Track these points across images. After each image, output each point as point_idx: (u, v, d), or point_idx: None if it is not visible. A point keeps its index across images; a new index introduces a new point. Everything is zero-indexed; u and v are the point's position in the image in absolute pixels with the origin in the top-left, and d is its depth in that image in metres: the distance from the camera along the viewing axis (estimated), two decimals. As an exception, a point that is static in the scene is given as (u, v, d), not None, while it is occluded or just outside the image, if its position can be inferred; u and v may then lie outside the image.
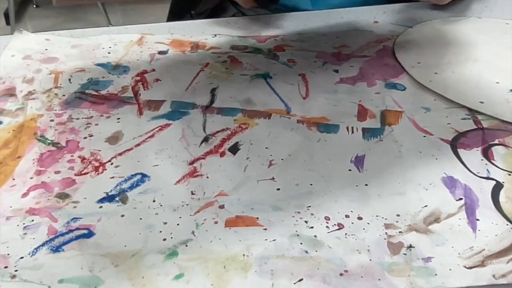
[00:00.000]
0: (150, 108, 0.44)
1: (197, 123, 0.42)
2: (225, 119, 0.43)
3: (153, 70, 0.50)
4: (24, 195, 0.35)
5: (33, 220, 0.33)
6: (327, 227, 0.32)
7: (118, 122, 0.42)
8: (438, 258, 0.30)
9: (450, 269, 0.29)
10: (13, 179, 0.36)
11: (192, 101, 0.45)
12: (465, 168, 0.37)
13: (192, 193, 0.35)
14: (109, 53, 0.53)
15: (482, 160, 0.38)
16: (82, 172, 0.37)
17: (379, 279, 0.29)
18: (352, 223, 0.33)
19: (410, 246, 0.31)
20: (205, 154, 0.39)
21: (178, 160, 0.38)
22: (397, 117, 0.43)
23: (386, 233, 0.32)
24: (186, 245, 0.31)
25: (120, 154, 0.39)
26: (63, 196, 0.35)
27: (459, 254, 0.30)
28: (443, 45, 0.55)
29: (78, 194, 0.35)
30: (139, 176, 0.36)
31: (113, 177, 0.36)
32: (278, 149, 0.39)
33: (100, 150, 0.39)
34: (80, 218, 0.33)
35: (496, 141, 0.40)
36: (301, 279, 0.29)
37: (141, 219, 0.33)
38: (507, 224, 0.33)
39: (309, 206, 0.34)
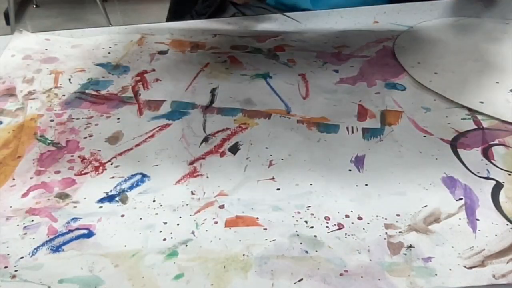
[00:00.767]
0: (150, 108, 0.44)
1: (197, 123, 0.42)
2: (225, 119, 0.43)
3: (153, 70, 0.50)
4: (24, 195, 0.35)
5: (33, 220, 0.33)
6: (327, 227, 0.32)
7: (118, 122, 0.42)
8: (438, 258, 0.30)
9: (450, 269, 0.29)
10: (13, 179, 0.36)
11: (192, 101, 0.45)
12: (465, 168, 0.37)
13: (192, 193, 0.35)
14: (109, 53, 0.53)
15: (482, 160, 0.38)
16: (82, 172, 0.37)
17: (379, 279, 0.29)
18: (352, 223, 0.33)
19: (410, 246, 0.31)
20: (205, 154, 0.39)
21: (178, 160, 0.38)
22: (397, 117, 0.43)
23: (386, 233, 0.32)
24: (186, 245, 0.31)
25: (120, 154, 0.39)
26: (63, 196, 0.35)
27: (459, 254, 0.30)
28: (443, 45, 0.55)
29: (78, 194, 0.35)
30: (139, 176, 0.36)
31: (113, 177, 0.36)
32: (278, 149, 0.39)
33: (100, 150, 0.39)
34: (80, 218, 0.33)
35: (496, 141, 0.40)
36: (301, 279, 0.29)
37: (141, 219, 0.33)
38: (507, 224, 0.33)
39: (309, 206, 0.34)
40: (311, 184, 0.36)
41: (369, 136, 0.41)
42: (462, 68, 0.50)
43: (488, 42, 0.55)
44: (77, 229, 0.32)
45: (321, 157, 0.38)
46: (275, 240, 0.31)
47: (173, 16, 0.75)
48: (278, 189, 0.36)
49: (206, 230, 0.32)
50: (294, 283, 0.29)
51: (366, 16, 0.62)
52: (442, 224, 0.32)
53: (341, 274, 0.29)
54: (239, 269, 0.29)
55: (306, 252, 0.31)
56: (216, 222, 0.33)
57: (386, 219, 0.33)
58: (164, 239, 0.31)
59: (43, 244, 0.31)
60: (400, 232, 0.32)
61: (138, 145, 0.40)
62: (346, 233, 0.32)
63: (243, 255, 0.30)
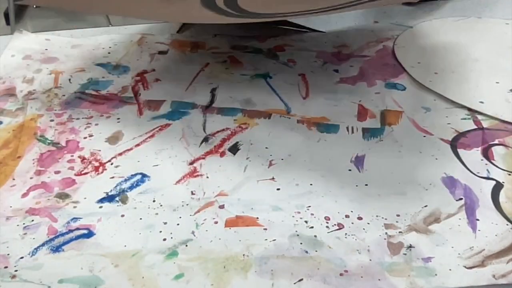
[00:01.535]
0: (150, 108, 0.44)
1: (197, 123, 0.42)
2: (225, 119, 0.43)
3: (153, 70, 0.50)
4: (24, 195, 0.35)
5: (33, 220, 0.33)
6: (327, 227, 0.32)
7: (118, 122, 0.42)
8: (438, 258, 0.30)
9: (450, 269, 0.29)
10: (13, 179, 0.36)
11: (192, 101, 0.45)
12: (465, 168, 0.37)
13: (192, 193, 0.35)
14: (109, 53, 0.53)
15: (482, 160, 0.38)
16: (82, 172, 0.37)
17: (379, 279, 0.29)
18: (352, 223, 0.33)
19: (410, 246, 0.31)
20: (205, 154, 0.39)
21: (178, 160, 0.38)
22: (397, 117, 0.43)
23: (386, 233, 0.32)
24: (186, 245, 0.31)
25: (120, 154, 0.39)
26: (63, 196, 0.35)
27: (459, 254, 0.30)
28: (443, 45, 0.55)
29: (78, 194, 0.35)
30: (139, 176, 0.36)
31: (113, 177, 0.36)
32: (278, 149, 0.39)
33: (100, 150, 0.39)
34: (80, 218, 0.33)
35: (496, 141, 0.40)
36: (301, 279, 0.29)
37: (141, 219, 0.33)
38: (507, 224, 0.33)
39: (309, 206, 0.34)
40: (311, 184, 0.36)
41: (369, 136, 0.41)
42: (462, 68, 0.50)
43: (488, 42, 0.55)
44: (77, 229, 0.32)
45: (321, 157, 0.38)
46: (275, 240, 0.31)
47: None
48: (278, 189, 0.36)
49: (206, 230, 0.32)
50: (294, 283, 0.29)
51: (366, 16, 0.62)
52: (442, 224, 0.32)
53: (341, 274, 0.29)
54: (239, 269, 0.29)
55: (306, 252, 0.31)
56: (216, 222, 0.33)
57: (386, 219, 0.33)
58: (164, 239, 0.31)
59: (43, 244, 0.31)
60: (400, 232, 0.32)
61: (138, 145, 0.40)
62: (346, 233, 0.32)
63: (243, 255, 0.30)
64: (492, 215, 0.33)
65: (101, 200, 0.34)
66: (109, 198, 0.35)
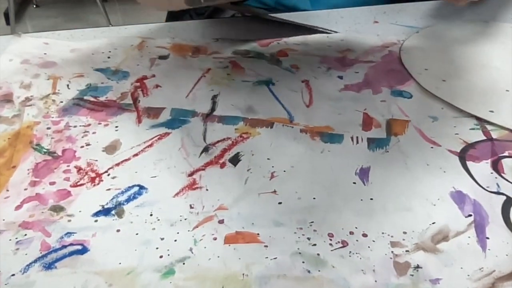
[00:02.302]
0: (149, 115, 0.43)
1: (197, 132, 0.41)
2: (226, 128, 0.41)
3: (153, 75, 0.49)
4: (18, 207, 0.34)
5: (26, 235, 0.32)
6: (330, 244, 0.31)
7: (116, 130, 0.41)
8: (446, 280, 0.29)
9: (459, 292, 0.28)
10: (7, 190, 0.35)
11: (192, 109, 0.44)
12: (474, 182, 0.36)
13: (191, 207, 0.34)
14: (108, 57, 0.52)
15: (491, 173, 0.37)
16: (78, 184, 0.36)
17: (384, 302, 0.28)
18: (357, 240, 0.31)
19: (418, 267, 0.30)
20: (205, 165, 0.38)
21: (177, 171, 0.37)
22: (403, 127, 0.42)
23: (392, 251, 0.31)
24: (184, 263, 0.30)
25: (117, 164, 0.38)
26: (57, 209, 0.34)
27: (468, 275, 0.29)
28: (451, 51, 0.53)
29: (73, 207, 0.34)
30: (136, 188, 0.35)
31: (109, 189, 0.35)
32: (280, 160, 0.38)
33: (97, 160, 0.38)
34: (74, 232, 0.32)
35: (506, 153, 0.39)
36: (303, 301, 0.28)
37: (137, 234, 0.32)
38: (519, 243, 0.31)
39: (312, 222, 0.33)
40: (314, 198, 0.35)
41: (374, 147, 0.39)
42: (471, 74, 0.49)
43: (497, 47, 0.54)
44: (71, 244, 0.31)
45: (325, 169, 0.37)
46: (276, 258, 0.30)
47: (171, 16, 0.74)
48: (280, 202, 0.34)
49: (205, 247, 0.31)
50: (296, 305, 0.27)
51: (366, 16, 0.60)
52: (451, 243, 0.31)
53: (344, 296, 0.28)
54: (238, 290, 0.28)
55: (309, 271, 0.29)
56: (215, 238, 0.32)
57: (392, 236, 0.32)
58: (161, 256, 0.30)
59: (35, 261, 0.30)
60: (407, 251, 0.31)
61: (136, 155, 0.38)
62: (350, 251, 0.31)
63: (243, 274, 0.29)
64: (502, 233, 0.32)
65: (97, 214, 0.33)
66: (105, 212, 0.33)
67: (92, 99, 0.45)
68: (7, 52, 0.52)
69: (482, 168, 0.37)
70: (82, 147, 0.39)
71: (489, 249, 0.31)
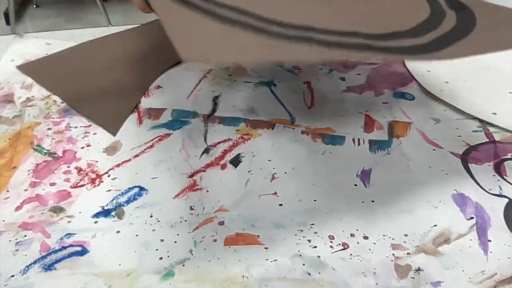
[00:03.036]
0: (150, 116, 0.43)
1: (198, 133, 0.41)
2: (227, 129, 0.41)
3: (155, 76, 0.49)
4: (18, 208, 0.34)
5: (25, 236, 0.32)
6: (331, 246, 0.31)
7: (117, 131, 0.41)
8: (447, 283, 0.29)
9: (460, 295, 0.28)
10: (7, 191, 0.35)
11: (193, 110, 0.44)
12: (476, 184, 0.36)
13: (191, 208, 0.34)
14: (110, 58, 0.52)
15: (494, 175, 0.37)
16: (78, 184, 0.36)
17: (385, 305, 0.27)
18: (358, 243, 0.31)
19: (419, 269, 0.29)
20: (206, 166, 0.37)
21: (177, 173, 0.37)
22: (405, 129, 0.42)
23: (393, 254, 0.30)
24: (183, 265, 0.30)
25: (117, 165, 0.37)
26: (57, 210, 0.34)
27: (469, 278, 0.29)
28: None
29: (73, 208, 0.34)
30: (136, 189, 0.35)
31: (109, 190, 0.35)
32: (281, 162, 0.38)
33: (97, 161, 0.38)
34: (74, 234, 0.32)
35: (509, 156, 0.39)
36: (303, 304, 0.27)
37: (137, 235, 0.32)
38: (521, 246, 0.31)
39: (313, 224, 0.32)
40: (315, 200, 0.34)
41: (376, 149, 0.39)
42: (475, 77, 0.49)
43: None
44: (71, 245, 0.31)
45: (326, 171, 0.37)
46: (276, 260, 0.30)
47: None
48: (281, 204, 0.34)
49: (205, 249, 0.31)
50: (296, 308, 0.27)
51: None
52: (452, 246, 0.31)
53: (345, 299, 0.28)
54: (238, 292, 0.28)
55: (309, 274, 0.29)
56: (215, 240, 0.31)
57: (393, 239, 0.31)
58: (161, 258, 0.30)
59: (35, 262, 0.30)
60: (408, 253, 0.30)
61: (136, 156, 0.38)
62: (351, 254, 0.31)
63: (243, 276, 0.29)
64: (504, 236, 0.32)
65: (97, 215, 0.33)
66: (105, 213, 0.33)
67: (93, 100, 0.45)
68: (9, 53, 0.52)
69: (484, 171, 0.37)
70: (82, 148, 0.39)
71: (491, 252, 0.31)
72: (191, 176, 0.36)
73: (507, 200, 0.34)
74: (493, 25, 0.34)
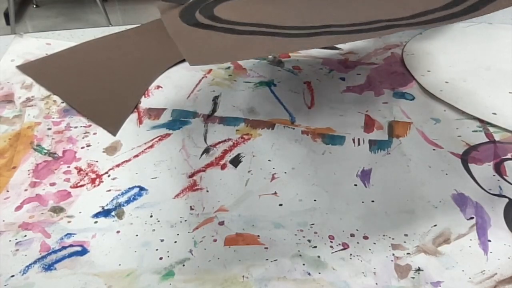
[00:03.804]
0: (150, 116, 0.43)
1: (198, 133, 0.41)
2: (227, 129, 0.41)
3: (155, 76, 0.49)
4: (18, 208, 0.34)
5: (25, 236, 0.32)
6: (331, 246, 0.31)
7: (117, 131, 0.41)
8: (447, 283, 0.29)
9: (460, 295, 0.28)
10: (7, 191, 0.35)
11: (193, 110, 0.44)
12: (476, 184, 0.36)
13: (191, 208, 0.34)
14: (110, 58, 0.52)
15: (494, 175, 0.37)
16: (78, 184, 0.36)
17: (385, 305, 0.27)
18: (358, 242, 0.31)
19: (419, 269, 0.29)
20: (206, 166, 0.37)
21: (177, 173, 0.37)
22: (405, 129, 0.42)
23: (393, 254, 0.30)
24: (183, 265, 0.30)
25: (117, 165, 0.37)
26: (57, 210, 0.34)
27: (469, 278, 0.29)
28: (454, 52, 0.53)
29: (73, 208, 0.34)
30: (136, 189, 0.35)
31: (109, 190, 0.35)
32: (281, 162, 0.38)
33: (97, 161, 0.38)
34: (74, 234, 0.32)
35: (509, 156, 0.39)
36: (303, 304, 0.27)
37: (137, 235, 0.32)
38: (521, 246, 0.31)
39: (313, 224, 0.32)
40: (315, 200, 0.34)
41: (376, 149, 0.39)
42: (475, 76, 0.49)
43: (501, 50, 0.54)
44: (71, 245, 0.31)
45: (326, 171, 0.37)
46: (276, 260, 0.30)
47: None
48: (281, 204, 0.34)
49: (205, 249, 0.31)
50: (296, 308, 0.27)
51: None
52: (452, 246, 0.31)
53: (345, 299, 0.28)
54: (238, 292, 0.28)
55: (309, 274, 0.29)
56: (215, 240, 0.31)
57: (393, 239, 0.31)
58: (161, 258, 0.30)
59: (35, 262, 0.30)
60: (408, 253, 0.30)
61: (136, 156, 0.38)
62: (351, 254, 0.31)
63: (243, 276, 0.29)
64: (504, 236, 0.32)
65: (97, 215, 0.33)
66: (105, 213, 0.33)
67: (93, 100, 0.45)
68: (9, 53, 0.52)
69: (484, 171, 0.37)
70: (82, 148, 0.39)
71: (491, 252, 0.31)
72: (191, 176, 0.36)
73: (507, 200, 0.34)
74: None
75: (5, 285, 0.28)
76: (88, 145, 0.39)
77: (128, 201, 0.34)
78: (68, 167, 0.37)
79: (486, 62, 0.51)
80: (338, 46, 0.55)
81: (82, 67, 0.50)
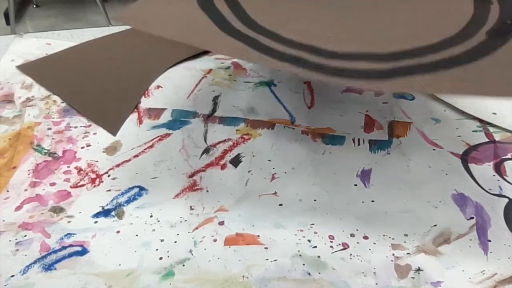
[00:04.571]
0: (150, 116, 0.43)
1: (198, 133, 0.41)
2: (227, 129, 0.41)
3: (155, 76, 0.49)
4: (18, 208, 0.34)
5: (25, 236, 0.32)
6: (331, 246, 0.31)
7: (117, 131, 0.41)
8: (447, 283, 0.29)
9: (460, 295, 0.28)
10: (7, 191, 0.35)
11: (193, 110, 0.44)
12: (476, 184, 0.36)
13: (191, 208, 0.34)
14: (110, 58, 0.52)
15: (494, 175, 0.37)
16: (78, 184, 0.36)
17: (385, 305, 0.27)
18: (358, 242, 0.31)
19: (419, 269, 0.29)
20: (206, 166, 0.37)
21: (177, 173, 0.37)
22: (405, 129, 0.42)
23: (393, 254, 0.30)
24: (183, 265, 0.30)
25: (117, 165, 0.37)
26: (57, 210, 0.34)
27: (470, 278, 0.29)
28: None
29: (73, 208, 0.34)
30: (136, 189, 0.35)
31: (109, 190, 0.35)
32: (281, 162, 0.38)
33: (97, 161, 0.38)
34: (74, 234, 0.32)
35: (509, 155, 0.39)
36: (303, 304, 0.27)
37: (137, 235, 0.32)
38: (521, 246, 0.31)
39: (313, 224, 0.32)
40: (315, 200, 0.34)
41: (376, 149, 0.39)
42: (474, 77, 0.49)
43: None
44: (71, 245, 0.31)
45: (326, 171, 0.37)
46: (276, 260, 0.30)
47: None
48: (281, 204, 0.34)
49: (205, 249, 0.31)
50: (296, 308, 0.27)
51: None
52: (452, 245, 0.31)
53: (345, 299, 0.28)
54: (238, 292, 0.28)
55: (309, 274, 0.29)
56: (215, 240, 0.31)
57: (393, 239, 0.31)
58: (161, 258, 0.30)
59: (35, 262, 0.30)
60: (408, 253, 0.30)
61: (136, 156, 0.38)
62: (351, 254, 0.31)
63: (243, 276, 0.29)
64: (504, 236, 0.32)
65: (97, 215, 0.33)
66: (105, 213, 0.33)
67: (93, 100, 0.45)
68: (9, 53, 0.52)
69: (484, 171, 0.37)
70: (82, 148, 0.39)
71: (491, 252, 0.31)
72: (191, 176, 0.36)
73: (507, 200, 0.34)
74: None
75: (5, 285, 0.28)
76: (88, 145, 0.39)
77: (128, 201, 0.34)
78: (68, 167, 0.37)
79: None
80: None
81: (82, 67, 0.50)
